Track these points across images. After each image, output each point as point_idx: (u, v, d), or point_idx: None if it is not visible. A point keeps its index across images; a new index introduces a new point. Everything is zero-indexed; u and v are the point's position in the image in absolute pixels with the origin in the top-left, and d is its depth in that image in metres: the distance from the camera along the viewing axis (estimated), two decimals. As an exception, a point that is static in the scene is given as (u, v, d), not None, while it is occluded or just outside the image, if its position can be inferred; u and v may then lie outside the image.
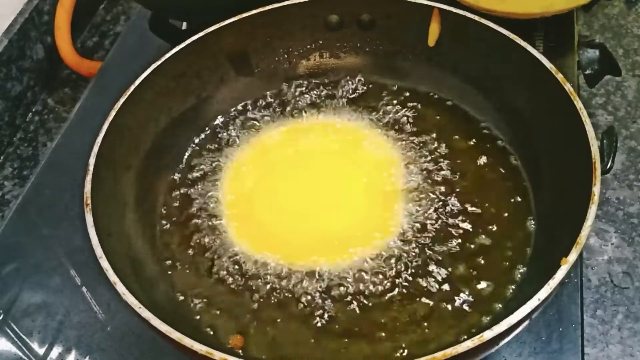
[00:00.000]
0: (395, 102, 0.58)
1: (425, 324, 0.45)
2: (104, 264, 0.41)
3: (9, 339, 0.52)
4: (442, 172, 0.53)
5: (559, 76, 0.47)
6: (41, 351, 0.51)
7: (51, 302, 0.54)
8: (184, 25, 0.75)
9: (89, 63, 0.80)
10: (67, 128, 0.67)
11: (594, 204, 0.40)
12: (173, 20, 0.76)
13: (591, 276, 0.56)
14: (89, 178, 0.46)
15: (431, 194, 0.51)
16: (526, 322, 0.38)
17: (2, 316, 0.53)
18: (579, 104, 0.45)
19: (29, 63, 0.78)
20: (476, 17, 0.53)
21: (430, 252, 0.48)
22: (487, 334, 0.36)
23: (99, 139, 0.48)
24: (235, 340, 0.44)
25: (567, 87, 0.46)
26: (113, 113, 0.50)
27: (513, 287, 0.46)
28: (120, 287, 0.40)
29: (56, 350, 0.51)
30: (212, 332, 0.46)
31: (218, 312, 0.47)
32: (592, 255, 0.57)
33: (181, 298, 0.48)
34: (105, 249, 0.42)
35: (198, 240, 0.51)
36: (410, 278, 0.47)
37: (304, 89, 0.61)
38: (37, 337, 0.52)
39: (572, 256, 0.39)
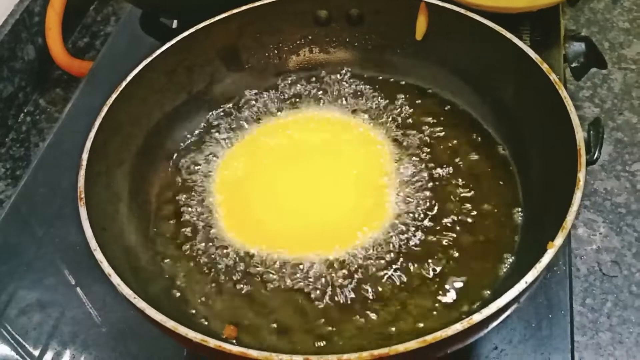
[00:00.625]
0: (384, 95, 0.59)
1: (415, 311, 0.45)
2: (99, 256, 0.42)
3: (4, 339, 0.52)
4: (430, 164, 0.53)
5: (544, 66, 0.48)
6: (37, 350, 0.51)
7: (46, 301, 0.54)
8: (175, 24, 0.75)
9: (80, 63, 0.81)
10: (58, 128, 0.68)
11: (579, 190, 0.41)
12: (164, 19, 0.77)
13: (580, 265, 0.57)
14: (82, 172, 0.46)
15: (419, 185, 0.52)
16: (514, 306, 0.39)
17: (-4, 316, 0.54)
18: (563, 93, 0.46)
19: (20, 64, 0.79)
20: (462, 11, 0.54)
21: (419, 242, 0.49)
22: (476, 317, 0.37)
23: (92, 134, 0.49)
24: (229, 331, 0.45)
25: (552, 77, 0.47)
26: (105, 109, 0.50)
27: (502, 275, 0.46)
28: (115, 279, 0.40)
29: (52, 349, 0.51)
30: (206, 323, 0.46)
31: (212, 304, 0.47)
32: (580, 245, 0.58)
33: (176, 292, 0.48)
34: (100, 241, 0.43)
35: (192, 234, 0.51)
36: (400, 268, 0.47)
37: (294, 84, 0.61)
38: (33, 336, 0.52)
39: (558, 240, 0.39)
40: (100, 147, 0.49)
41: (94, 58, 0.82)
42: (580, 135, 0.44)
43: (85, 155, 0.47)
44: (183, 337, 0.38)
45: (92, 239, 0.42)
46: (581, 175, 0.42)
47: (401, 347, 0.36)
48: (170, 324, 0.38)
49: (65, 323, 0.53)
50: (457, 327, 0.36)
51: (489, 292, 0.45)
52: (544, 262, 0.38)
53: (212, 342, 0.37)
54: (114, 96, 0.51)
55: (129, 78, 0.53)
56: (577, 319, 0.53)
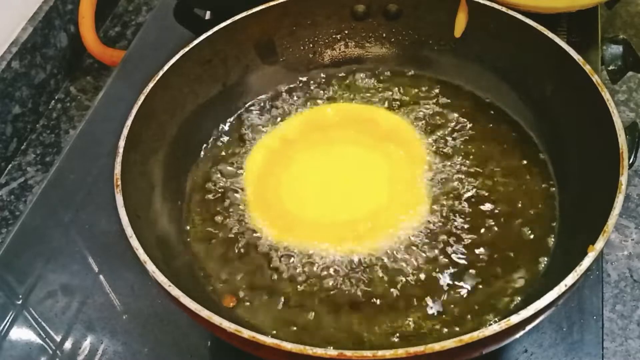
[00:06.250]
0: (419, 92, 0.59)
1: (446, 313, 0.45)
2: (134, 243, 0.42)
3: (28, 323, 0.53)
4: (467, 162, 0.53)
5: (587, 67, 0.47)
6: (60, 335, 0.52)
7: (71, 287, 0.55)
8: (208, 15, 0.76)
9: (112, 52, 0.81)
10: (90, 115, 0.68)
11: (621, 193, 0.41)
12: (198, 9, 0.77)
13: (611, 271, 0.56)
14: (119, 159, 0.46)
15: (455, 183, 0.52)
16: (552, 309, 0.38)
17: (21, 301, 0.54)
18: (606, 96, 0.45)
19: (52, 51, 0.79)
20: (503, 9, 0.53)
21: (453, 243, 0.48)
22: (514, 318, 0.36)
23: (129, 122, 0.49)
24: (229, 299, 0.46)
25: (595, 78, 0.46)
26: (142, 97, 0.50)
27: (537, 277, 0.46)
28: (150, 266, 0.41)
29: (75, 334, 0.52)
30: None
31: (243, 296, 0.47)
32: (612, 250, 0.57)
33: (206, 280, 0.48)
34: (134, 228, 0.43)
35: (223, 224, 0.51)
36: (431, 268, 0.47)
37: (328, 78, 0.61)
38: (57, 322, 0.53)
39: (599, 244, 0.39)
40: (136, 135, 0.49)
41: (124, 47, 0.82)
42: (622, 139, 0.43)
43: (122, 143, 0.48)
44: (217, 327, 0.38)
45: (128, 226, 0.42)
46: (623, 179, 0.41)
47: (437, 346, 0.36)
48: (204, 313, 0.38)
49: (89, 310, 0.53)
50: (495, 328, 0.36)
51: (523, 295, 0.45)
52: (585, 265, 0.38)
53: (246, 333, 0.37)
54: (151, 85, 0.51)
55: (166, 67, 0.53)
56: (607, 325, 0.52)
